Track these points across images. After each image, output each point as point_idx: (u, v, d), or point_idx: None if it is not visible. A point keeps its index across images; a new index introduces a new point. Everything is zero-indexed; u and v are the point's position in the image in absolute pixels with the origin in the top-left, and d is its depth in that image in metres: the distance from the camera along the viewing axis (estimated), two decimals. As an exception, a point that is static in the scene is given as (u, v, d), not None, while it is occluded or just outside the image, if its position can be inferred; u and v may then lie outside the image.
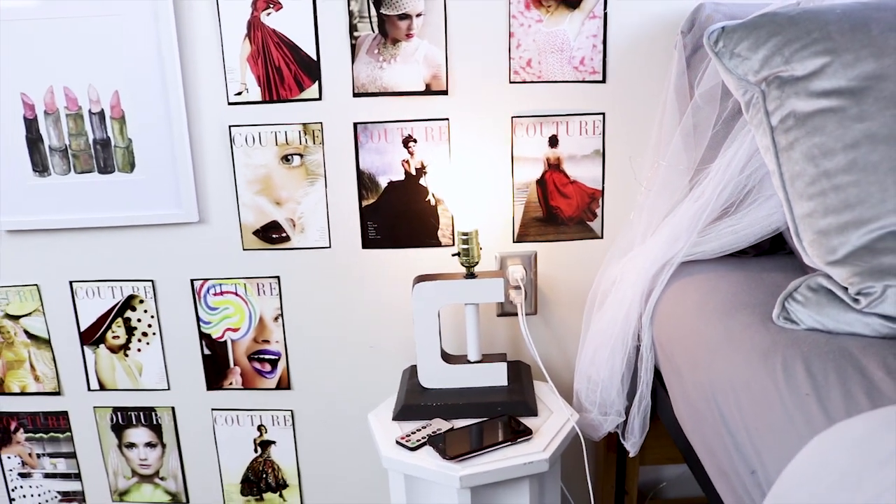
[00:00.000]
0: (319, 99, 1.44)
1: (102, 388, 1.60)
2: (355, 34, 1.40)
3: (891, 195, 0.94)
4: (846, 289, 0.97)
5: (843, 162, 0.97)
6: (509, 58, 1.42)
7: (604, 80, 1.43)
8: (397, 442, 1.32)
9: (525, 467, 1.26)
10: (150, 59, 1.39)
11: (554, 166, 1.48)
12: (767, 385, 0.91)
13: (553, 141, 1.47)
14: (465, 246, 1.38)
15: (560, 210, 1.50)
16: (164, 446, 1.64)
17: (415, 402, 1.40)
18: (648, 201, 1.36)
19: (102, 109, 1.43)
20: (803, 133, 1.01)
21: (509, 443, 1.29)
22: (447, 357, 1.45)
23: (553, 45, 1.42)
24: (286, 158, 1.47)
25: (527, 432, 1.31)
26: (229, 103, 1.44)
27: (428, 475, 1.27)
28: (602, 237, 1.52)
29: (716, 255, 1.25)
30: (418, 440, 1.31)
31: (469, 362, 1.45)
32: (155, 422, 1.62)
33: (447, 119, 1.45)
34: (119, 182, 1.46)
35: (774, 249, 1.30)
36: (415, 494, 1.32)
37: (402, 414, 1.39)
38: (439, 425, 1.35)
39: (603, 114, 1.45)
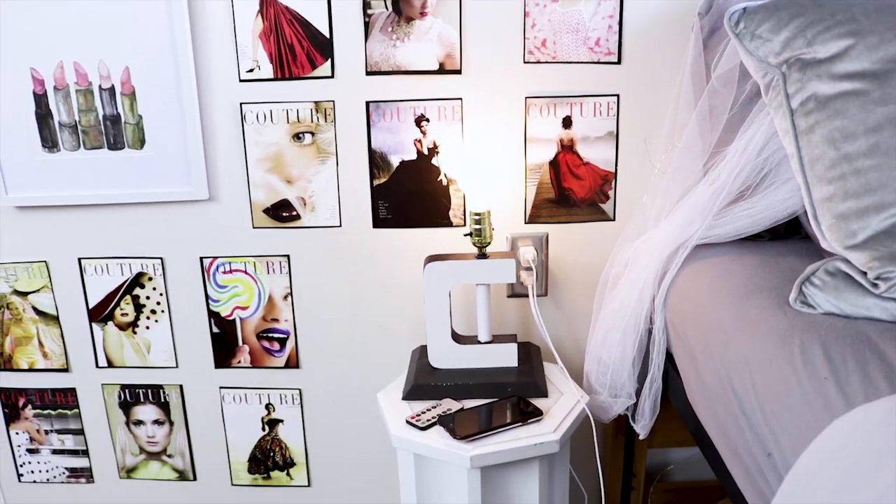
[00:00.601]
0: (332, 77, 1.42)
1: (110, 365, 1.60)
2: (369, 11, 1.39)
3: (913, 180, 0.94)
4: (865, 273, 0.97)
5: (865, 146, 0.97)
6: (524, 38, 1.41)
7: (619, 62, 1.42)
8: (407, 421, 1.32)
9: (535, 448, 1.27)
10: (162, 35, 1.38)
11: (567, 147, 1.47)
12: (785, 368, 0.91)
13: (567, 122, 1.46)
14: (478, 226, 1.37)
15: (572, 192, 1.50)
16: (171, 424, 1.64)
17: (425, 381, 1.40)
18: (662, 184, 1.36)
19: (113, 85, 1.41)
20: (824, 116, 1.00)
21: (520, 423, 1.29)
22: (457, 337, 1.44)
23: (568, 25, 1.40)
24: (297, 136, 1.46)
25: (537, 413, 1.31)
26: (241, 80, 1.42)
27: (438, 455, 1.27)
28: (614, 219, 1.51)
29: (731, 239, 1.24)
30: (428, 420, 1.31)
31: (479, 343, 1.45)
32: (163, 399, 1.62)
33: (460, 99, 1.44)
34: (129, 159, 1.45)
35: (790, 234, 1.30)
36: (424, 474, 1.33)
37: (411, 394, 1.39)
38: (449, 405, 1.35)
39: (617, 95, 1.44)
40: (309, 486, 1.68)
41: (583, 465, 1.60)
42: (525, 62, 1.42)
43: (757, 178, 1.18)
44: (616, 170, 1.49)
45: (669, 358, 1.31)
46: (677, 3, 1.39)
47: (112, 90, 1.42)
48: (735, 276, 1.14)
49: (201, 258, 1.53)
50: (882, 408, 0.76)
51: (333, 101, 1.44)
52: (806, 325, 0.96)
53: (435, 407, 1.35)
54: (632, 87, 1.44)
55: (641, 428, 1.36)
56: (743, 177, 1.18)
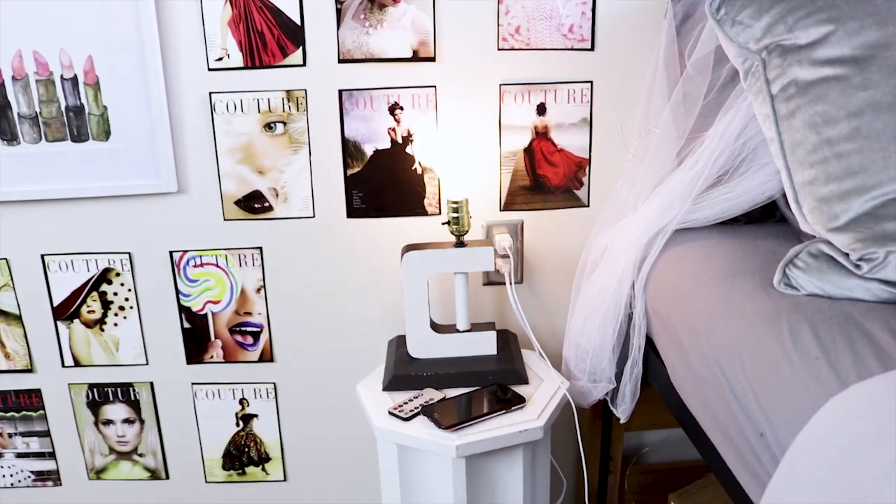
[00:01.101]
0: (304, 65, 1.40)
1: (77, 364, 1.55)
2: (341, -2, 1.37)
3: (893, 162, 0.96)
4: (847, 255, 0.99)
5: (847, 130, 0.99)
6: (498, 24, 1.40)
7: (592, 48, 1.43)
8: (390, 413, 1.31)
9: (520, 435, 1.27)
10: (127, 22, 1.33)
11: (541, 135, 1.47)
12: (775, 349, 0.93)
13: (541, 109, 1.46)
14: (456, 215, 1.36)
15: (547, 178, 1.50)
16: (142, 422, 1.60)
17: (404, 372, 1.39)
18: (638, 170, 1.37)
19: (75, 75, 1.36)
20: (805, 101, 1.02)
21: (503, 411, 1.29)
22: (436, 326, 1.44)
23: (542, 12, 1.40)
24: (269, 126, 1.43)
25: (520, 400, 1.31)
26: (209, 69, 1.39)
27: (423, 445, 1.27)
28: (588, 206, 1.52)
29: (709, 223, 1.26)
30: (411, 410, 1.30)
31: (458, 331, 1.44)
32: (133, 398, 1.58)
33: (434, 86, 1.43)
34: (94, 151, 1.40)
35: (764, 217, 1.32)
36: (407, 465, 1.32)
37: (392, 384, 1.38)
38: (431, 395, 1.35)
39: (591, 82, 1.44)
40: (285, 480, 1.66)
41: (560, 452, 1.62)
42: (499, 49, 1.42)
43: (735, 161, 1.19)
44: (590, 156, 1.49)
45: (649, 342, 1.32)
46: (650, -10, 1.40)
47: (74, 80, 1.37)
48: (717, 260, 1.16)
49: (171, 252, 1.49)
50: (877, 386, 0.78)
51: (305, 90, 1.41)
52: (792, 306, 0.98)
53: (417, 397, 1.34)
54: (605, 74, 1.44)
55: (622, 412, 1.38)
56: (721, 161, 1.19)
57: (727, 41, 1.09)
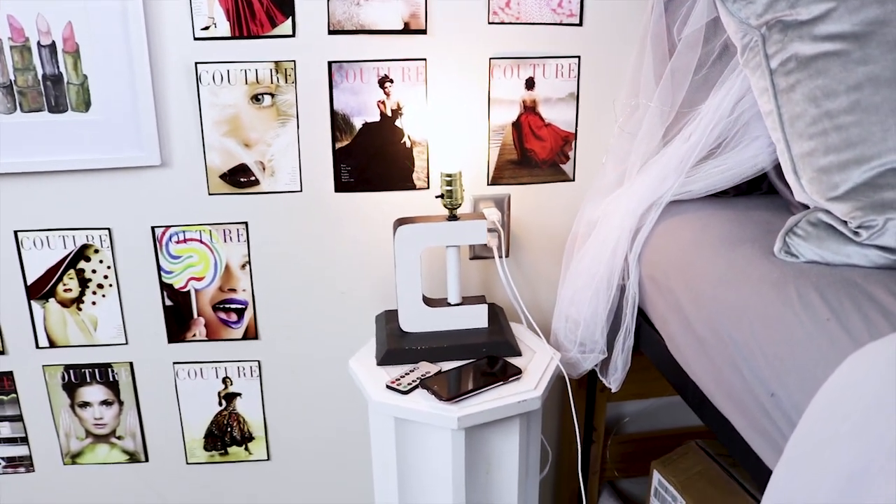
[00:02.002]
0: (293, 36, 1.37)
1: (52, 345, 1.49)
2: (331, -33, 1.34)
3: (892, 134, 1.00)
4: (846, 223, 1.03)
5: (846, 103, 1.03)
6: (488, -3, 1.40)
7: (580, 24, 1.44)
8: (388, 386, 1.30)
9: (519, 405, 1.29)
10: (108, -13, 1.28)
11: (530, 109, 1.48)
12: (785, 313, 0.96)
13: (529, 83, 1.47)
14: (449, 188, 1.36)
15: (534, 153, 1.51)
16: (121, 404, 1.55)
17: (398, 346, 1.39)
18: (625, 144, 1.39)
19: (53, 42, 1.30)
20: (806, 75, 1.06)
21: (501, 383, 1.31)
22: (427, 300, 1.44)
23: (532, -15, 1.41)
24: (256, 98, 1.40)
25: (516, 372, 1.33)
26: (195, 38, 1.34)
27: (423, 418, 1.27)
28: (574, 180, 1.54)
29: (701, 195, 1.30)
30: (409, 383, 1.30)
31: (449, 305, 1.45)
32: (111, 378, 1.53)
33: (425, 59, 1.42)
34: (72, 122, 1.35)
35: (750, 190, 1.36)
36: (404, 438, 1.32)
37: (386, 358, 1.38)
38: (427, 368, 1.35)
39: (578, 57, 1.46)
40: (269, 459, 1.64)
41: (545, 423, 1.64)
42: (489, 23, 1.42)
43: (729, 134, 1.23)
44: (576, 131, 1.51)
45: (640, 313, 1.35)
46: (638, -34, 1.42)
47: (53, 47, 1.31)
48: (715, 230, 1.20)
49: (153, 228, 1.45)
50: (894, 343, 0.82)
51: (294, 61, 1.38)
52: (796, 272, 1.02)
53: (413, 371, 1.35)
54: (592, 49, 1.46)
55: (614, 381, 1.41)
56: (716, 133, 1.22)
57: (728, 16, 1.12)
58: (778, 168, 1.22)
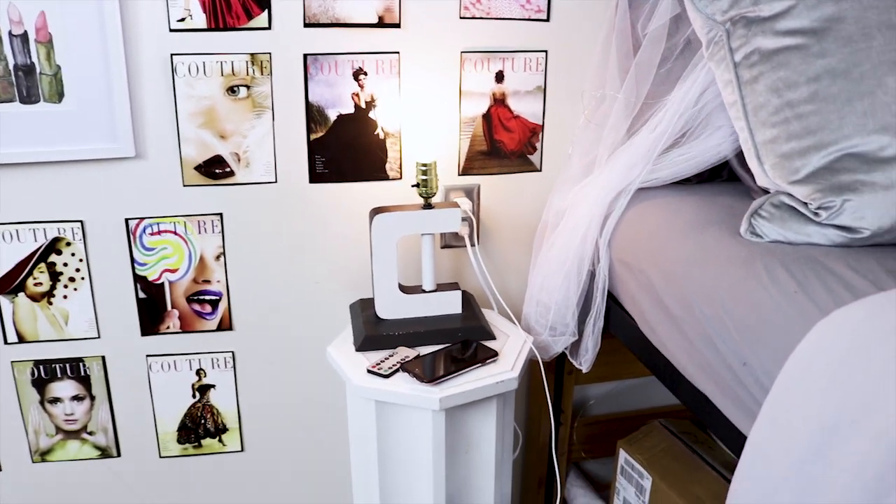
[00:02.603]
0: (269, 28, 1.39)
1: (21, 340, 1.47)
2: (307, -39, 1.37)
3: (847, 122, 1.08)
4: (807, 204, 1.11)
5: (806, 93, 1.10)
6: (460, -7, 1.45)
7: (548, 19, 1.49)
8: (369, 371, 1.33)
9: (497, 386, 1.33)
10: (83, -23, 1.28)
11: (499, 101, 1.53)
12: (754, 287, 1.03)
13: (499, 77, 1.51)
14: (425, 177, 1.40)
15: (503, 144, 1.56)
16: (93, 399, 1.54)
17: (376, 332, 1.42)
18: (591, 136, 1.46)
19: (25, 31, 1.29)
20: (768, 68, 1.13)
21: (479, 364, 1.35)
22: (403, 287, 1.47)
23: (501, -19, 1.46)
24: (232, 90, 1.41)
25: (493, 354, 1.37)
26: (171, 30, 1.35)
27: (405, 400, 1.30)
28: (541, 170, 1.59)
29: (667, 183, 1.36)
30: (390, 367, 1.33)
31: (424, 292, 1.48)
32: (83, 373, 1.51)
33: (398, 53, 1.45)
34: (45, 113, 1.34)
35: (712, 178, 1.44)
36: (385, 422, 1.35)
37: (365, 344, 1.40)
38: (406, 353, 1.38)
39: (546, 51, 1.51)
40: (242, 451, 1.65)
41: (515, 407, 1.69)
42: (461, 17, 1.46)
43: (693, 124, 1.30)
44: (543, 122, 1.56)
45: (609, 297, 1.41)
46: (602, -36, 1.48)
47: (25, 37, 1.29)
48: (683, 214, 1.26)
49: (126, 220, 1.44)
50: (860, 308, 0.89)
51: (270, 54, 1.40)
52: (762, 250, 1.09)
53: (392, 356, 1.38)
54: (559, 44, 1.51)
55: (585, 362, 1.46)
56: (681, 123, 1.29)
57: (695, 12, 1.19)
58: (739, 156, 1.30)
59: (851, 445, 0.80)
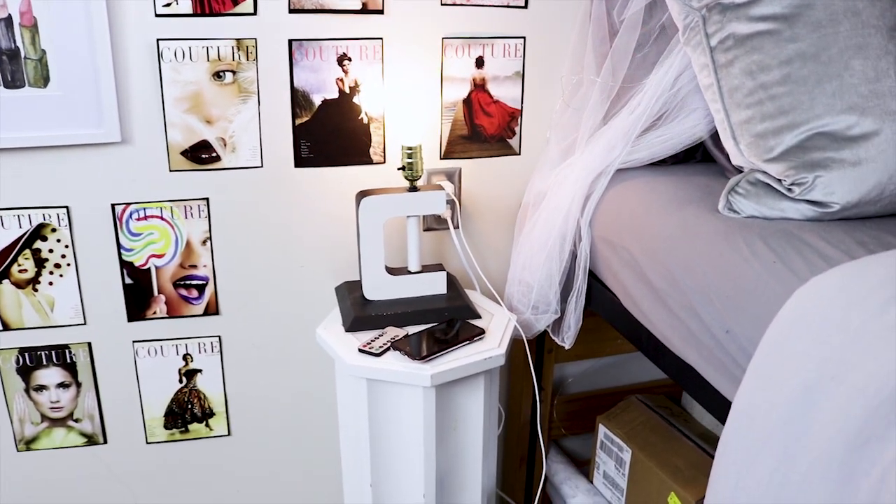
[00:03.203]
0: (254, 14, 1.40)
1: (6, 328, 1.47)
2: (291, -53, 1.38)
3: (818, 102, 1.14)
4: (781, 181, 1.17)
5: (779, 76, 1.16)
6: (441, -20, 1.48)
7: (525, 6, 1.53)
8: (360, 350, 1.36)
9: (485, 362, 1.37)
10: (69, -39, 1.28)
11: (479, 86, 1.57)
12: (734, 259, 1.09)
13: (479, 62, 1.55)
14: (410, 160, 1.43)
15: (483, 128, 1.60)
16: (79, 386, 1.54)
17: (364, 313, 1.45)
18: (570, 120, 1.50)
19: (10, 15, 1.29)
20: (742, 52, 1.19)
21: (467, 342, 1.39)
22: (389, 269, 1.50)
23: (481, -31, 1.49)
24: (218, 75, 1.42)
25: (480, 332, 1.41)
26: (157, 15, 1.35)
27: (397, 377, 1.33)
28: (520, 154, 1.63)
29: (645, 164, 1.41)
30: (381, 346, 1.36)
31: (410, 273, 1.52)
32: (69, 360, 1.51)
33: (381, 38, 1.48)
34: (30, 98, 1.33)
35: (687, 159, 1.50)
36: (376, 401, 1.38)
37: (354, 325, 1.43)
38: (395, 332, 1.41)
39: (524, 38, 1.55)
40: (229, 435, 1.66)
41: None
42: (442, 4, 1.49)
43: (670, 106, 1.35)
44: (522, 107, 1.60)
45: (591, 274, 1.46)
46: (578, -48, 1.52)
47: (9, 20, 1.29)
48: (662, 193, 1.32)
49: (113, 205, 1.44)
50: (835, 275, 0.95)
51: (256, 39, 1.42)
52: (740, 225, 1.15)
53: (381, 335, 1.41)
54: (536, 30, 1.55)
55: (567, 338, 1.51)
56: (659, 105, 1.34)
57: (672, 0, 1.24)
58: (714, 136, 1.36)
59: (832, 401, 0.85)
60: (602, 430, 1.69)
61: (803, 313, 0.94)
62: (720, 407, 1.11)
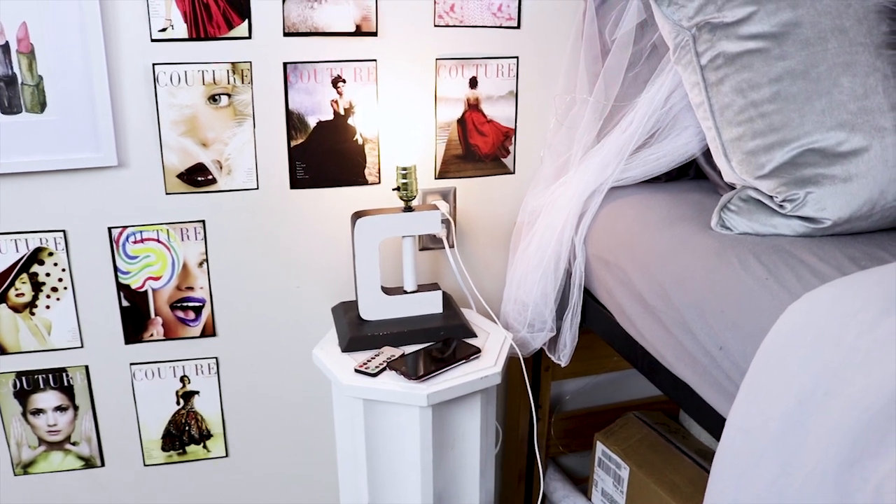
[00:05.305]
0: (249, 37, 1.41)
1: (3, 351, 1.47)
2: (285, -28, 1.40)
3: (808, 119, 1.15)
4: (772, 198, 1.18)
5: (769, 93, 1.17)
6: (434, 2, 1.49)
7: (518, 27, 1.55)
8: (356, 370, 1.36)
9: (481, 381, 1.37)
10: (65, -12, 1.29)
11: (473, 106, 1.58)
12: (727, 276, 1.10)
13: (473, 82, 1.56)
14: (405, 181, 1.44)
15: (478, 147, 1.61)
16: (76, 409, 1.54)
17: (360, 333, 1.45)
18: (562, 139, 1.51)
19: (7, 42, 1.30)
20: (732, 70, 1.20)
21: (463, 361, 1.39)
22: (385, 289, 1.51)
23: (474, -9, 1.51)
24: (213, 98, 1.43)
25: (476, 351, 1.41)
26: (152, 40, 1.37)
27: (393, 397, 1.34)
28: (514, 172, 1.64)
29: (638, 181, 1.42)
30: (377, 366, 1.37)
31: (406, 292, 1.52)
32: (66, 383, 1.51)
33: (375, 60, 1.49)
34: (27, 123, 1.34)
35: (680, 176, 1.51)
36: (373, 421, 1.38)
37: (351, 345, 1.43)
38: (391, 352, 1.42)
39: (517, 58, 1.57)
40: (227, 456, 1.66)
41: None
42: (435, 26, 1.51)
43: (662, 124, 1.36)
44: (515, 126, 1.62)
45: (586, 292, 1.47)
46: (570, -26, 1.54)
47: (6, 47, 1.30)
48: (655, 211, 1.32)
49: (109, 228, 1.45)
50: (827, 291, 0.95)
51: (250, 62, 1.43)
52: (733, 242, 1.16)
53: (377, 355, 1.41)
54: (529, 50, 1.57)
55: (563, 356, 1.52)
56: (651, 123, 1.36)
57: (663, 19, 1.25)
58: (706, 154, 1.37)
59: (826, 416, 0.86)
60: (600, 447, 1.69)
61: (796, 329, 0.95)
62: (715, 424, 1.11)
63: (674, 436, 1.66)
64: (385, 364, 1.37)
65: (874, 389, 0.82)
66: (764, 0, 1.18)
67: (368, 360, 1.39)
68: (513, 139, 1.62)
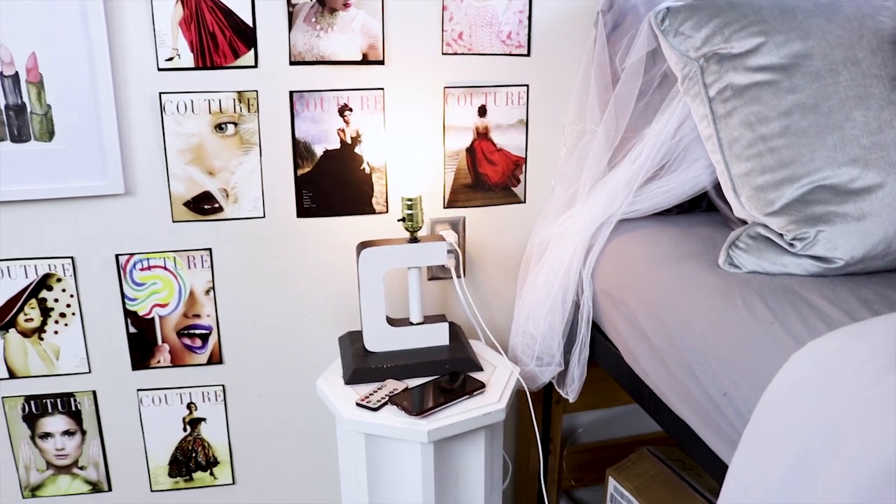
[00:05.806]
0: (255, 66, 1.42)
1: (12, 376, 1.48)
2: (292, 2, 1.40)
3: (818, 155, 1.11)
4: (782, 235, 1.13)
5: (778, 127, 1.13)
6: (442, 30, 1.48)
7: (528, 54, 1.53)
8: (358, 404, 1.35)
9: (484, 418, 1.35)
10: (73, 18, 1.31)
11: (482, 135, 1.56)
12: (732, 318, 1.05)
13: (482, 111, 1.54)
14: (410, 211, 1.42)
15: (487, 176, 1.59)
16: (83, 433, 1.55)
17: (364, 365, 1.43)
18: (573, 168, 1.48)
19: (17, 72, 1.32)
20: (741, 103, 1.16)
21: (467, 396, 1.36)
22: (390, 320, 1.49)
23: (483, 19, 1.49)
24: (220, 127, 1.43)
25: (481, 386, 1.39)
26: (159, 69, 1.38)
27: (394, 433, 1.31)
28: (525, 202, 1.62)
29: (647, 214, 1.39)
30: (379, 400, 1.35)
31: (412, 324, 1.50)
32: (74, 408, 1.52)
33: (382, 88, 1.48)
34: (36, 152, 1.36)
35: (691, 208, 1.47)
36: (374, 455, 1.36)
37: (353, 377, 1.42)
38: (394, 385, 1.40)
39: (527, 86, 1.54)
40: (234, 483, 1.65)
41: (503, 436, 1.70)
42: (443, 53, 1.49)
43: (672, 156, 1.32)
44: (526, 155, 1.59)
45: (594, 326, 1.43)
46: (581, 1, 1.51)
47: (16, 77, 1.32)
48: (663, 246, 1.29)
49: (117, 256, 1.46)
50: (832, 340, 0.91)
51: (257, 91, 1.43)
52: (740, 282, 1.11)
53: (380, 388, 1.39)
54: (540, 78, 1.55)
55: (571, 392, 1.48)
56: (660, 156, 1.32)
57: (669, 49, 1.22)
58: (718, 187, 1.33)
59: (827, 472, 0.81)
60: (612, 483, 1.65)
61: (798, 380, 0.91)
62: (718, 469, 1.07)
63: (688, 473, 1.61)
64: (387, 398, 1.35)
65: (875, 449, 0.78)
66: (773, 31, 1.14)
67: (371, 394, 1.37)
68: (523, 168, 1.60)
